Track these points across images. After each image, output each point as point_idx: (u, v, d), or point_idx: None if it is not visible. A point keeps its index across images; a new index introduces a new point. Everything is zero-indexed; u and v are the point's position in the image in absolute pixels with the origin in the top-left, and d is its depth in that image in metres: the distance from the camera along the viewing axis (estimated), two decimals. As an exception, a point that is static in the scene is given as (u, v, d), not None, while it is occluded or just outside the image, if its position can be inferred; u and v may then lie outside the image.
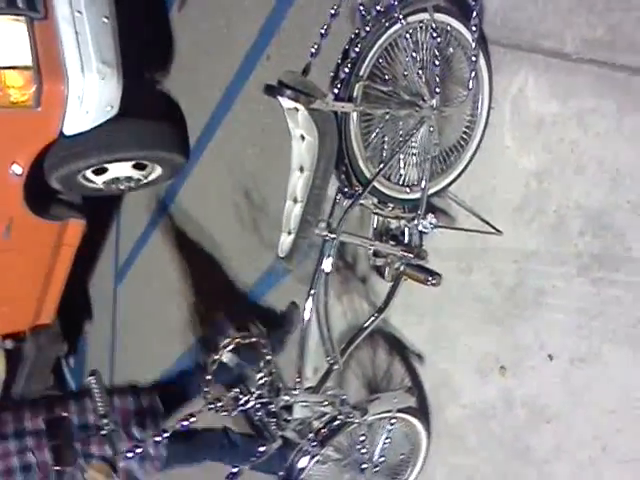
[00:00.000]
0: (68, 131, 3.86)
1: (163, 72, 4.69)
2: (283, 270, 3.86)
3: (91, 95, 3.71)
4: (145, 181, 4.56)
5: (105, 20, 3.75)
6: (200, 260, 4.72)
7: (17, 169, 3.92)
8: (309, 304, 2.43)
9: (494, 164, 2.57)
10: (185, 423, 2.32)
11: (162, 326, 5.36)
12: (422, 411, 2.95)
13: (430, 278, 2.38)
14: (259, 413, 2.47)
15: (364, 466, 2.76)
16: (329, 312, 2.51)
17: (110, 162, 4.14)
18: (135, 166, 4.32)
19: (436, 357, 2.97)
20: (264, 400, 2.40)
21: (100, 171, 4.24)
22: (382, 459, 2.82)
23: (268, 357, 2.34)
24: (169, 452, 3.10)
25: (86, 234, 4.81)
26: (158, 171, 4.49)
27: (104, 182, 4.37)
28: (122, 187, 4.49)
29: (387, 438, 2.82)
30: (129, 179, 4.44)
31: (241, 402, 2.34)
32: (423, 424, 2.90)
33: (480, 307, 2.72)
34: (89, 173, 4.23)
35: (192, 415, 2.32)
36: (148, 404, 3.20)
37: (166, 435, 2.40)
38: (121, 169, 4.28)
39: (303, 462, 2.67)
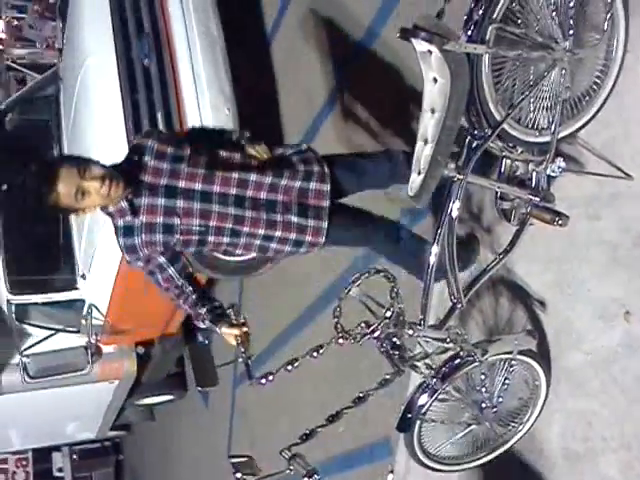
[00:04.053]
0: None
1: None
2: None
3: None
4: None
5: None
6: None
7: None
8: (435, 247, 2.54)
9: (628, 109, 2.55)
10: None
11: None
12: (543, 356, 2.97)
13: (557, 218, 2.41)
14: (385, 345, 2.61)
15: (483, 406, 2.85)
16: (455, 254, 2.60)
17: None
18: None
19: (559, 304, 2.99)
20: (390, 331, 2.54)
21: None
22: (501, 400, 2.90)
23: (395, 291, 2.47)
24: (330, 225, 2.86)
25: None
26: None
27: None
28: None
29: (506, 380, 2.88)
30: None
31: (369, 331, 2.50)
32: (543, 368, 2.92)
33: (607, 253, 2.71)
34: None
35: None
36: None
37: None
38: None
39: (424, 398, 2.80)
